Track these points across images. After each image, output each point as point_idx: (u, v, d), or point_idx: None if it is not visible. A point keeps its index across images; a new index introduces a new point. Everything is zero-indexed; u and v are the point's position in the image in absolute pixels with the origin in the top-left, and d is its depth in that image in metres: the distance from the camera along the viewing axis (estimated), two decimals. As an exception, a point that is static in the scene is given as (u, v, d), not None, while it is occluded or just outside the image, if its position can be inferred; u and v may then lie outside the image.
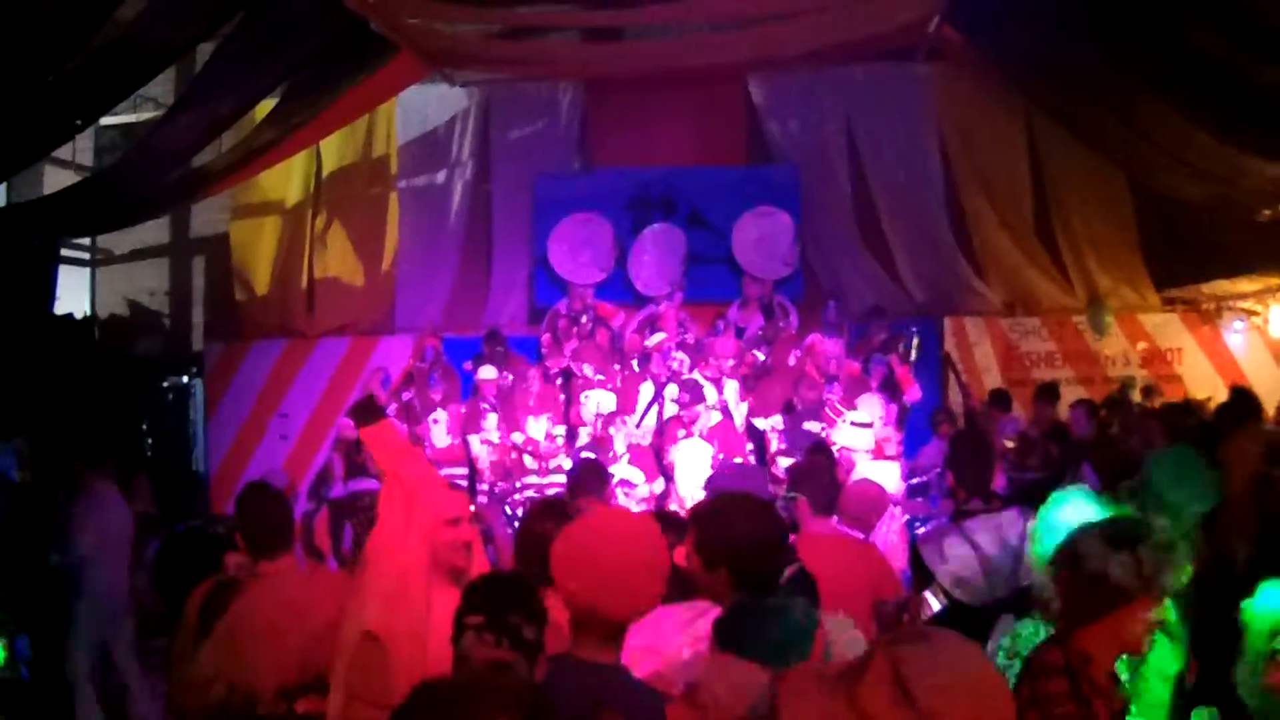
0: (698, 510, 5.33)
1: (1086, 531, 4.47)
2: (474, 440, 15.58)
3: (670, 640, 4.56)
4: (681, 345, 15.94)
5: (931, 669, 2.80)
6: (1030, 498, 6.88)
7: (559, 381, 16.16)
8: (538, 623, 4.03)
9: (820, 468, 8.04)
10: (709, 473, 13.48)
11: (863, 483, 9.00)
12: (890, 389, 15.35)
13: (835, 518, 7.60)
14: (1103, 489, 9.21)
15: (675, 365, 15.45)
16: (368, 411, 5.47)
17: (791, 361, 15.76)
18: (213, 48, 14.10)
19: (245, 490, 6.83)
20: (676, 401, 14.84)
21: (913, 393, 15.51)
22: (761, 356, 16.00)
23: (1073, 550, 4.40)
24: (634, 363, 16.14)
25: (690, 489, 13.50)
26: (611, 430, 14.64)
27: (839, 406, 14.53)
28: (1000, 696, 2.87)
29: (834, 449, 13.59)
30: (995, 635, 5.39)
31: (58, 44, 11.40)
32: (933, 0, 15.27)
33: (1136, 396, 15.55)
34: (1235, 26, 10.30)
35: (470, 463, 15.67)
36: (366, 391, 16.06)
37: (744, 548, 4.70)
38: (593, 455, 14.08)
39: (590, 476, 8.34)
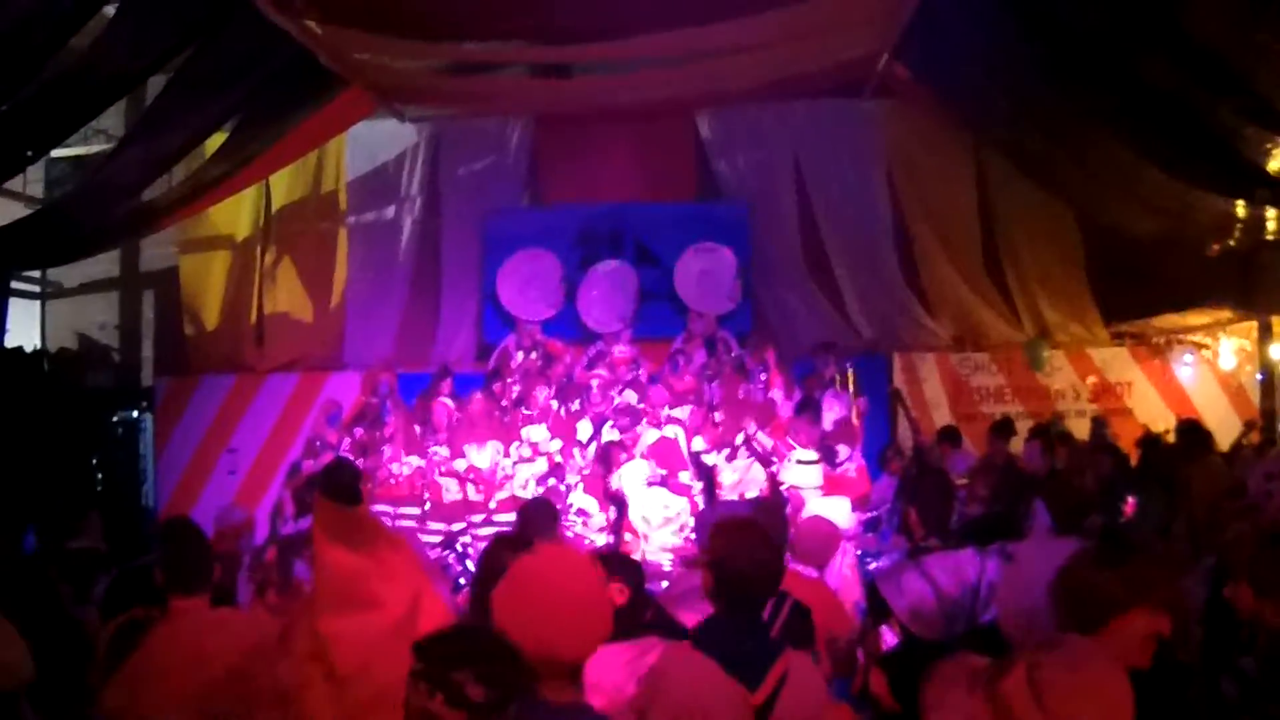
0: (721, 519, 5.56)
1: (1079, 551, 4.49)
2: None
3: (614, 677, 4.59)
4: (633, 383, 15.93)
5: (1065, 676, 3.18)
6: (981, 532, 6.90)
7: (503, 412, 16.08)
8: (493, 686, 3.75)
9: (771, 507, 8.03)
10: (654, 489, 13.58)
11: (815, 519, 8.96)
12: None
13: (788, 555, 7.60)
14: (1054, 525, 9.27)
15: (617, 402, 15.46)
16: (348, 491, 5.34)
17: (742, 395, 15.76)
18: (164, 81, 14.05)
19: (168, 524, 6.76)
20: (616, 427, 14.86)
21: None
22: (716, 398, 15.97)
23: (1066, 567, 4.42)
24: (576, 401, 16.08)
25: (640, 509, 13.54)
26: (560, 460, 14.65)
27: (790, 442, 14.54)
28: (1124, 706, 3.05)
29: (783, 486, 13.63)
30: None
31: (9, 74, 11.37)
32: (882, 37, 15.31)
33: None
34: (1186, 61, 10.34)
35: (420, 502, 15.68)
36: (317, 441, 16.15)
37: (732, 563, 4.95)
38: (545, 489, 14.16)
39: (541, 515, 8.29)
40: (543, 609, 3.93)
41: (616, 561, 5.61)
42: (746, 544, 5.06)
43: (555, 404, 16.09)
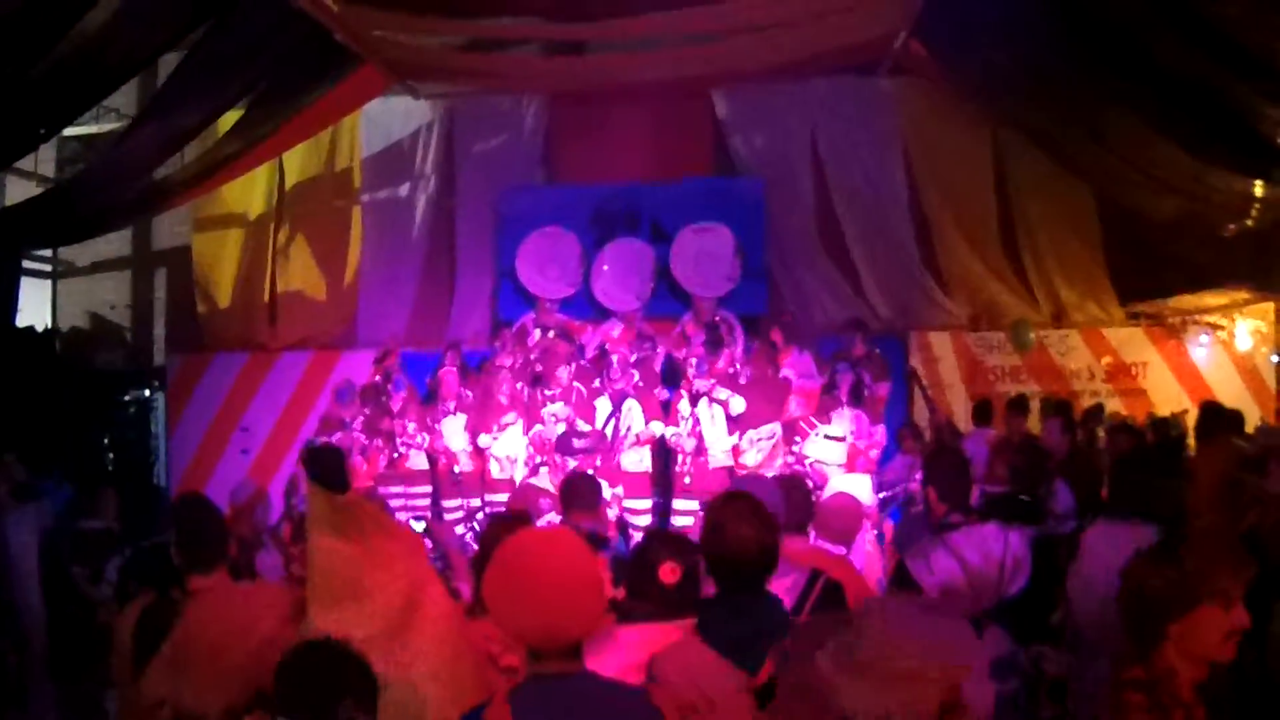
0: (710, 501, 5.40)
1: (1138, 553, 4.41)
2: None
3: (618, 661, 4.54)
4: (640, 362, 15.81)
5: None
6: (1003, 511, 6.87)
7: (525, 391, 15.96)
8: (370, 701, 3.85)
9: (795, 484, 7.95)
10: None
11: (839, 496, 8.90)
12: (858, 399, 15.25)
13: (811, 534, 7.54)
14: (1075, 503, 9.22)
15: (635, 380, 15.38)
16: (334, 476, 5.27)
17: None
18: (177, 59, 14.02)
19: (180, 502, 6.70)
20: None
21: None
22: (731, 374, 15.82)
23: (1126, 570, 4.35)
24: (596, 380, 15.98)
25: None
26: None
27: (812, 420, 14.50)
28: None
29: (806, 462, 13.58)
30: (985, 645, 5.36)
31: (21, 52, 11.33)
32: (900, 16, 15.23)
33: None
34: (1205, 42, 10.31)
35: (434, 479, 15.65)
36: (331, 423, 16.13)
37: (721, 543, 4.80)
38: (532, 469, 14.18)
39: (584, 490, 8.21)
40: (530, 591, 3.83)
41: (670, 540, 5.50)
42: (735, 515, 4.86)
43: (575, 383, 15.96)
